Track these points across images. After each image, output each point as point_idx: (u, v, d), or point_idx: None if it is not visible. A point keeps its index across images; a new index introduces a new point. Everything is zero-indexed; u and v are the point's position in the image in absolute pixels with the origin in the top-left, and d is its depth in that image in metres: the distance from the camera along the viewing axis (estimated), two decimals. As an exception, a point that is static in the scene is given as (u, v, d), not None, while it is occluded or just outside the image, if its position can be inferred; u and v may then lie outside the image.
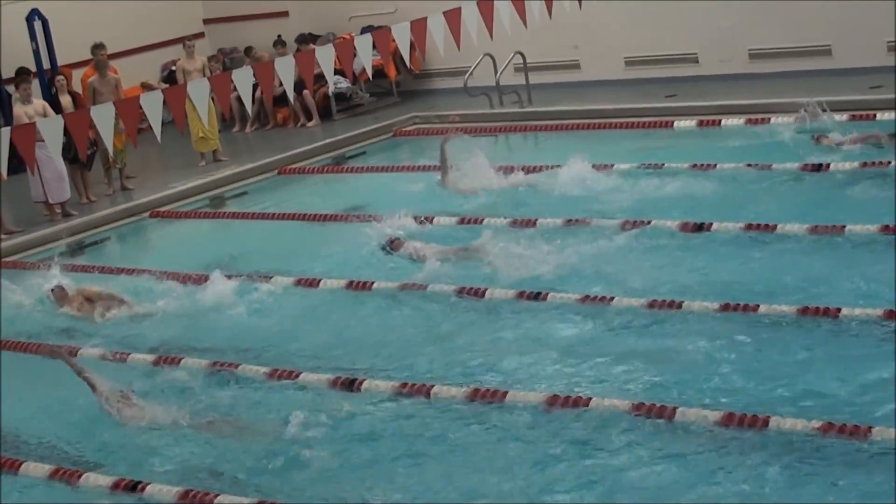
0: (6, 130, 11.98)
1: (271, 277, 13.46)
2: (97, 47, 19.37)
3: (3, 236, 17.24)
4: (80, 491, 9.38)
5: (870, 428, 8.26)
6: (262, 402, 10.43)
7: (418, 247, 13.58)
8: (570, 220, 13.80)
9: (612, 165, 15.82)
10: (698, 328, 10.52)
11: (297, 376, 10.67)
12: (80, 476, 9.49)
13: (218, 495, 8.75)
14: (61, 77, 19.43)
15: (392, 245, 13.66)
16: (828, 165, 14.45)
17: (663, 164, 15.66)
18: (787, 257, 11.99)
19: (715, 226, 12.93)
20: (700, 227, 12.99)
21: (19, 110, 17.68)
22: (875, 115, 16.41)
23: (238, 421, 10.06)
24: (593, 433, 8.97)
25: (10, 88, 20.30)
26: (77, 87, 21.24)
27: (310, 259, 14.30)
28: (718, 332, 10.37)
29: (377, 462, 9.11)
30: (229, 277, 13.51)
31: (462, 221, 14.57)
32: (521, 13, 15.91)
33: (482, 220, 14.36)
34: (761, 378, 9.44)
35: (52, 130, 12.89)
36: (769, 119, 17.11)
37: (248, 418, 10.10)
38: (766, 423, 8.56)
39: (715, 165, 15.29)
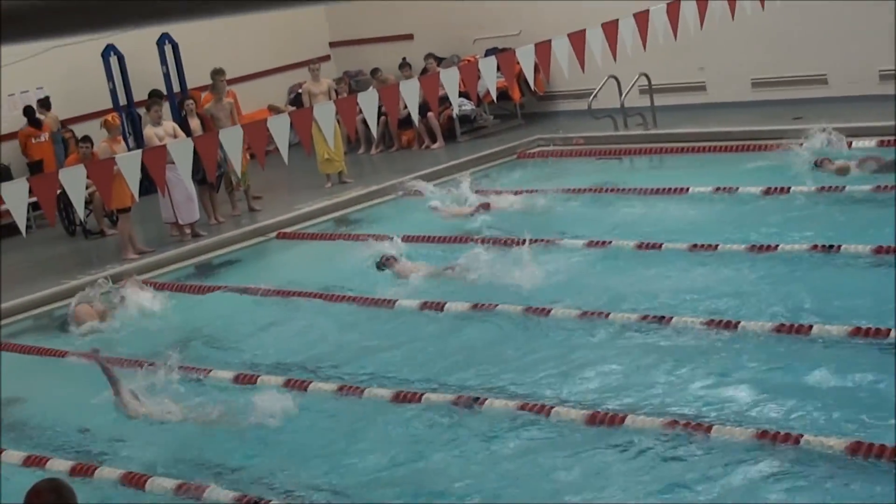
0: (138, 153, 12.21)
1: (395, 301, 13.58)
2: (216, 73, 19.67)
3: (134, 256, 17.56)
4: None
5: None
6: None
7: (407, 266, 14.55)
8: (694, 245, 13.73)
9: (738, 189, 15.72)
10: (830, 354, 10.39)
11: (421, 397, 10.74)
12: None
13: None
14: (191, 101, 19.76)
15: (386, 262, 14.67)
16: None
17: (790, 188, 15.47)
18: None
19: (843, 247, 12.77)
20: (829, 248, 12.83)
21: (150, 132, 18.02)
22: None
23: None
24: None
25: (141, 111, 20.72)
26: (206, 110, 21.61)
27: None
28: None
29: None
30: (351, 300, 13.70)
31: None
32: (643, 35, 15.85)
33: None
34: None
35: (182, 152, 13.11)
36: (901, 140, 16.84)
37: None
38: None
39: (843, 188, 15.08)
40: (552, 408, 9.96)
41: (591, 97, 20.62)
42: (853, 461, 8.42)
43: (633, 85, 20.54)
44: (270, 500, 9.18)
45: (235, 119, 19.20)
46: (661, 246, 14.01)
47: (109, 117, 18.66)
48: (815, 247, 12.94)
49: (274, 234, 18.18)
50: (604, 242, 14.53)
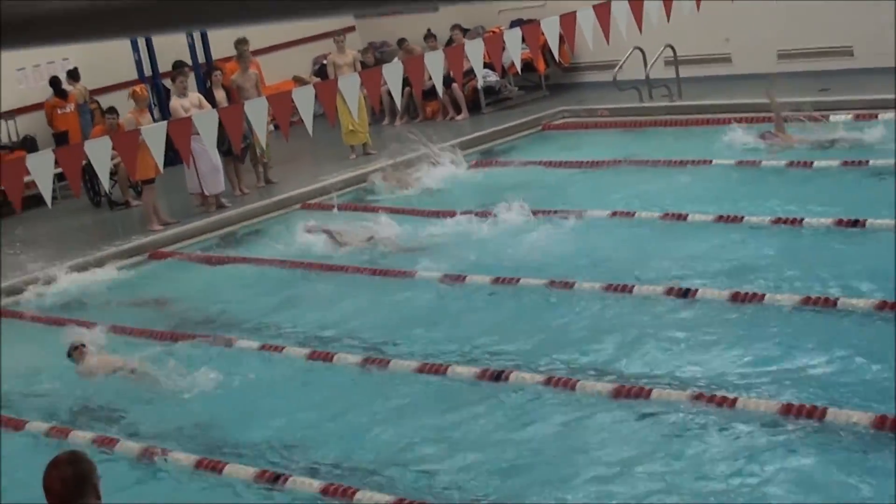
0: (163, 124, 12.27)
1: (415, 273, 13.63)
2: (240, 42, 19.67)
3: (159, 227, 17.61)
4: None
5: None
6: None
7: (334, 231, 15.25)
8: (719, 216, 13.71)
9: (760, 161, 15.71)
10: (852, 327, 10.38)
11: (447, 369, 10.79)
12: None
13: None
14: (218, 72, 19.75)
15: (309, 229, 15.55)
16: None
17: (812, 163, 15.43)
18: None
19: (869, 222, 12.73)
20: (855, 223, 12.79)
21: (175, 103, 18.04)
22: None
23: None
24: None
25: (167, 82, 20.75)
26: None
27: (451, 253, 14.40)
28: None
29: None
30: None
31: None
32: (668, 7, 15.80)
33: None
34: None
35: (207, 124, 13.16)
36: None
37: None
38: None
39: (867, 162, 15.03)
40: (577, 381, 9.99)
41: (616, 69, 20.54)
42: (878, 435, 8.42)
43: (659, 56, 20.47)
44: (289, 476, 9.22)
45: (260, 90, 19.22)
46: (686, 217, 13.98)
47: (138, 88, 18.68)
48: (840, 221, 12.89)
49: (298, 205, 18.19)
50: (629, 213, 14.51)
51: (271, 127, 17.65)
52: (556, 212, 14.91)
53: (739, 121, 17.95)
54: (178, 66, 19.72)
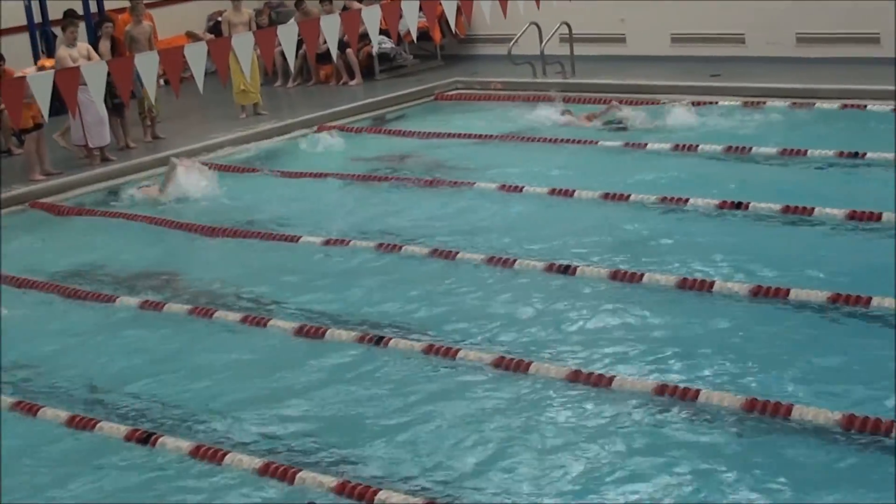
0: (50, 73, 12.05)
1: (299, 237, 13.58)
2: (135, -8, 19.37)
3: (41, 177, 17.31)
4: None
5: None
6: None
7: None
8: (605, 194, 13.84)
9: (646, 144, 15.91)
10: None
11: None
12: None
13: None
14: (110, 24, 19.35)
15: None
16: (864, 154, 14.40)
17: (698, 146, 15.63)
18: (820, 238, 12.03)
19: (752, 205, 12.93)
20: (738, 206, 12.98)
21: (63, 52, 17.67)
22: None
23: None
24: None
25: (57, 30, 20.35)
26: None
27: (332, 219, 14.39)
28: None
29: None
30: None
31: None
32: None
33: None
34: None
35: (95, 75, 12.96)
36: (814, 104, 17.04)
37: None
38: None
39: (750, 149, 15.26)
40: (458, 350, 10.02)
41: (512, 43, 20.60)
42: (745, 417, 8.55)
43: (554, 33, 20.57)
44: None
45: (153, 44, 18.94)
46: (573, 193, 14.09)
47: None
48: (724, 204, 13.05)
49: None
50: (517, 188, 14.59)
51: (161, 82, 17.43)
52: (444, 181, 14.99)
53: (630, 102, 18.16)
54: (70, 14, 19.34)
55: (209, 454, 8.68)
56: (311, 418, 9.27)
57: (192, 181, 15.93)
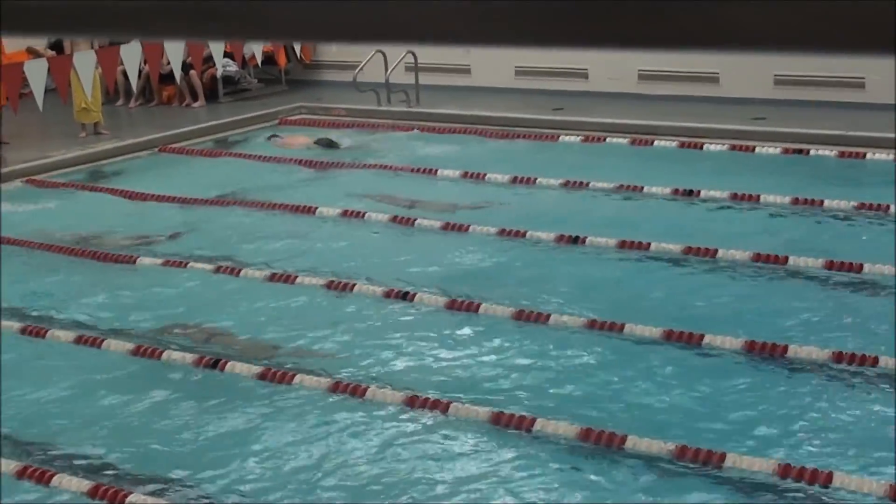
0: None
1: (137, 258, 13.41)
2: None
3: None
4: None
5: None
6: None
7: None
8: (447, 225, 13.94)
9: (485, 175, 16.03)
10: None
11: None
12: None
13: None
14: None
15: None
16: (698, 192, 14.72)
17: (536, 179, 15.81)
18: (658, 273, 12.28)
19: (589, 239, 13.11)
20: (575, 240, 13.15)
21: None
22: (754, 148, 16.75)
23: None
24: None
25: None
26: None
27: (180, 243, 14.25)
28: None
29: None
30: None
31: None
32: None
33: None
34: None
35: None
36: (653, 141, 17.38)
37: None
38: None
39: (588, 184, 15.47)
40: (295, 374, 10.01)
41: (357, 70, 20.68)
42: (580, 447, 8.69)
43: (400, 61, 20.70)
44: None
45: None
46: (414, 222, 14.16)
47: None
48: (562, 238, 13.23)
49: (22, 180, 17.62)
50: (359, 214, 14.63)
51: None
52: (287, 206, 15.00)
53: (474, 132, 18.35)
54: None
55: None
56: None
57: None
